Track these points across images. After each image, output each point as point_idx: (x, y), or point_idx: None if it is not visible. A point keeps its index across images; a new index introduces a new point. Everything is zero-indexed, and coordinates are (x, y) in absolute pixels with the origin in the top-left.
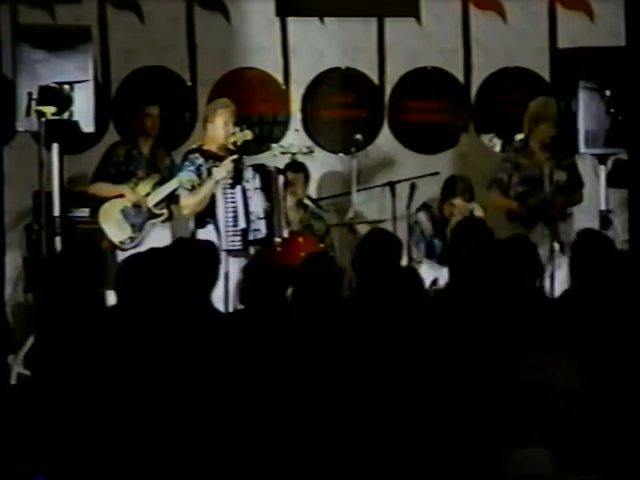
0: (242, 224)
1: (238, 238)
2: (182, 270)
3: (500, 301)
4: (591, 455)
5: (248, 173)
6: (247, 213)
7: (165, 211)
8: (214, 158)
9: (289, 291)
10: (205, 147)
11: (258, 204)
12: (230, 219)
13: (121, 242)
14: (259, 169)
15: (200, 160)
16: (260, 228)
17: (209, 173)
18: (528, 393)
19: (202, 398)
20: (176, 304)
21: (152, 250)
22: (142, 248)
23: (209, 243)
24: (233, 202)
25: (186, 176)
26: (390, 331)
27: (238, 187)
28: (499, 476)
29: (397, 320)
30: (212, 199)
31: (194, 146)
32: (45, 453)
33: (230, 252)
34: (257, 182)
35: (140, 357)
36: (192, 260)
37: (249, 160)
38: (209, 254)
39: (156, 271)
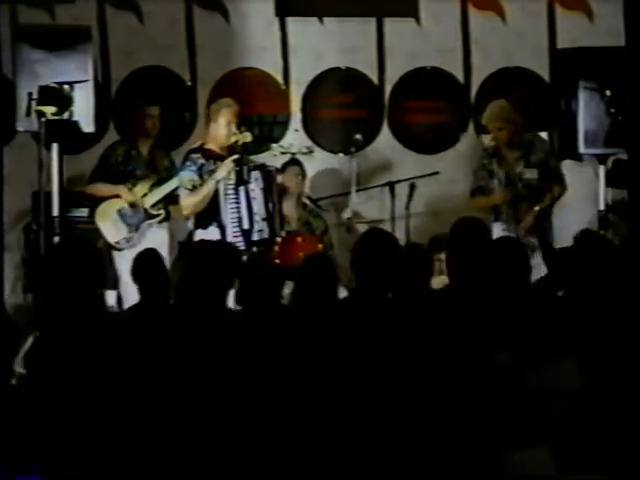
0: (246, 225)
1: (241, 239)
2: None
3: (499, 301)
4: (595, 455)
5: (252, 174)
6: (250, 214)
7: (162, 212)
8: (215, 158)
9: (288, 291)
10: (207, 147)
11: (261, 205)
12: (234, 220)
13: (117, 242)
14: (262, 170)
15: (202, 160)
16: (263, 228)
17: (211, 173)
18: (529, 394)
19: (200, 399)
20: (181, 305)
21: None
22: (138, 249)
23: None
24: (237, 203)
25: (187, 176)
26: (389, 331)
27: (242, 188)
28: (503, 477)
29: (396, 320)
30: (212, 200)
31: (195, 145)
32: (45, 452)
33: None
34: (260, 183)
35: (140, 358)
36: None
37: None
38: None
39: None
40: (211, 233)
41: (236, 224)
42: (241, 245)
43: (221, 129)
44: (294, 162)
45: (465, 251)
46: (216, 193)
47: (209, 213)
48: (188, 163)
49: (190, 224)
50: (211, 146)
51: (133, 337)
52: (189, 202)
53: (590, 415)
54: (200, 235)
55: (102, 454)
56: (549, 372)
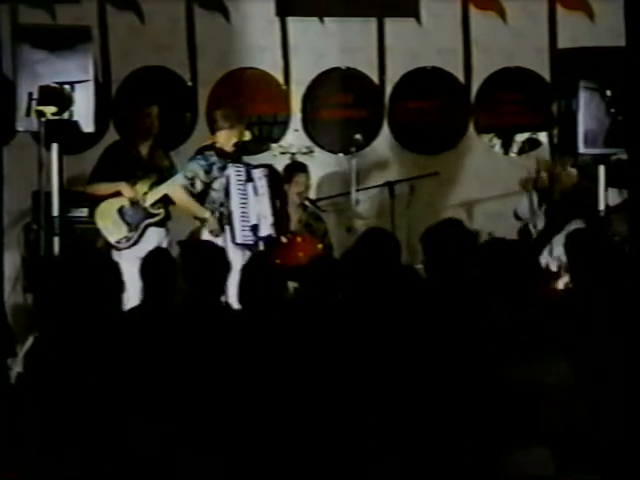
0: (253, 220)
1: (250, 233)
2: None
3: (491, 303)
4: (590, 455)
5: (258, 172)
6: (258, 211)
7: (162, 211)
8: (225, 156)
9: (290, 291)
10: (218, 145)
11: (268, 202)
12: (243, 215)
13: (117, 242)
14: (268, 169)
15: (214, 157)
16: (271, 224)
17: (222, 169)
18: (522, 393)
19: (201, 399)
20: (181, 305)
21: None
22: (138, 248)
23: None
24: (245, 199)
25: (193, 167)
26: (389, 330)
27: (249, 185)
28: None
29: (395, 319)
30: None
31: (207, 143)
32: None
33: (244, 247)
34: (268, 181)
35: (142, 358)
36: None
37: (248, 160)
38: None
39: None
40: None
41: (245, 219)
42: (249, 240)
43: (226, 136)
44: (301, 169)
45: (444, 253)
46: (225, 188)
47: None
48: (199, 157)
49: (194, 222)
50: (221, 144)
51: (141, 337)
52: (179, 198)
53: (586, 414)
54: (205, 233)
55: (101, 454)
56: (542, 370)
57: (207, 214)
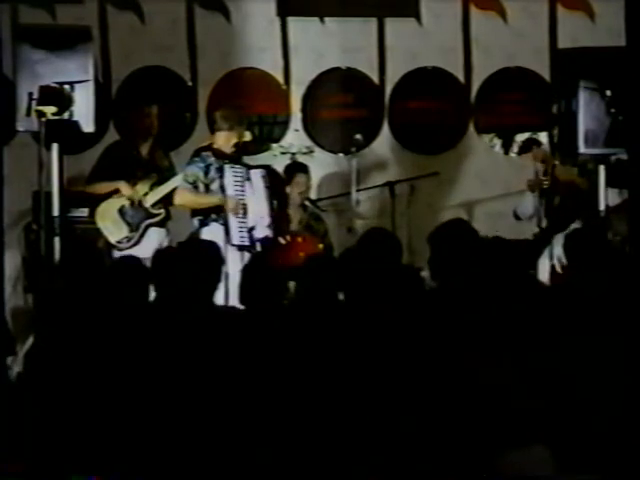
0: (251, 222)
1: (246, 235)
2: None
3: (490, 303)
4: (590, 455)
5: (257, 173)
6: (255, 211)
7: (162, 211)
8: (223, 157)
9: (290, 291)
10: (215, 146)
11: (266, 203)
12: (240, 216)
13: (118, 242)
14: (267, 169)
15: (211, 158)
16: (268, 226)
17: (220, 170)
18: (522, 393)
19: (202, 399)
20: (179, 304)
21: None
22: (139, 248)
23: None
24: (242, 199)
25: (192, 170)
26: (388, 331)
27: (247, 185)
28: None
29: (395, 320)
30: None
31: (205, 144)
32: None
33: (240, 248)
34: (265, 182)
35: (141, 357)
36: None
37: (248, 160)
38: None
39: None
40: (214, 231)
41: (242, 221)
42: (246, 242)
43: (225, 137)
44: (301, 169)
45: (451, 254)
46: (222, 190)
47: (212, 210)
48: (197, 159)
49: (192, 224)
50: (219, 145)
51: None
52: (186, 199)
53: (586, 414)
54: (203, 233)
55: (101, 453)
56: (542, 370)
57: (219, 198)
